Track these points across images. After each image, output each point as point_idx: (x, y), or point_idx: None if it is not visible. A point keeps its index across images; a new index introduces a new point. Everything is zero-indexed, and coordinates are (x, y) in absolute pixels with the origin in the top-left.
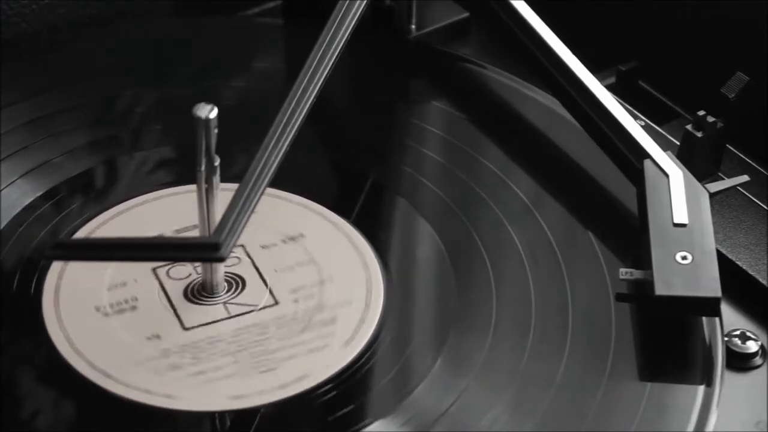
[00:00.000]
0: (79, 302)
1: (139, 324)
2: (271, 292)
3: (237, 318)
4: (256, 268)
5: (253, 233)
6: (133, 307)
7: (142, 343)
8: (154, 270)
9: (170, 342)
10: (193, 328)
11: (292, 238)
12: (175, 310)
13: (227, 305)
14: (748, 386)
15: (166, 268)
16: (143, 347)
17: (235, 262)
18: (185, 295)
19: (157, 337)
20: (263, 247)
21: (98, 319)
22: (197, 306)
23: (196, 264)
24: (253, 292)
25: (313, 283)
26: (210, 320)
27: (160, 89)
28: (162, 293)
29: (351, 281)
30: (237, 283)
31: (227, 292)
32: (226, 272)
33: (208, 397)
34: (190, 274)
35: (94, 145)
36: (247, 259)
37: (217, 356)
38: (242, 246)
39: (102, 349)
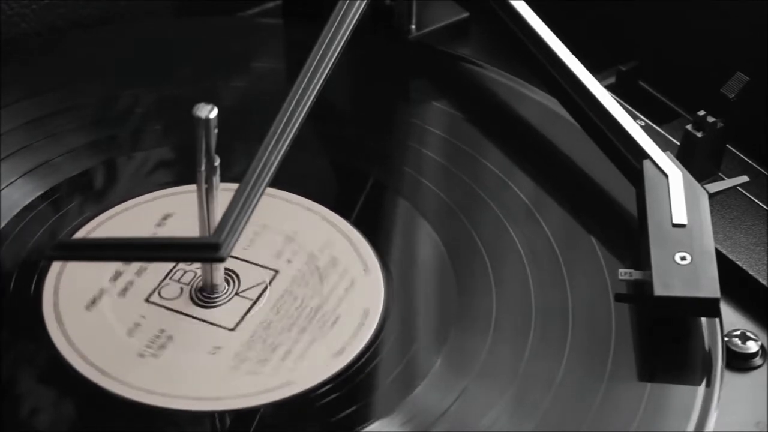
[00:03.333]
0: (78, 302)
1: (191, 347)
2: (265, 267)
3: (261, 299)
4: (244, 260)
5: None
6: (170, 337)
7: (211, 360)
8: (147, 300)
9: (234, 346)
10: (237, 325)
11: (291, 238)
12: (204, 320)
13: (241, 294)
14: (748, 386)
15: (157, 292)
16: (217, 363)
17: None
18: (196, 304)
19: (218, 348)
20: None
21: (99, 320)
22: (218, 308)
23: (179, 278)
24: (251, 275)
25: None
26: (243, 312)
27: (160, 89)
28: (178, 314)
29: (351, 281)
30: (231, 275)
31: (229, 285)
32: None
33: (316, 367)
34: (182, 289)
35: (94, 145)
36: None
37: (285, 334)
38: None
39: (103, 349)
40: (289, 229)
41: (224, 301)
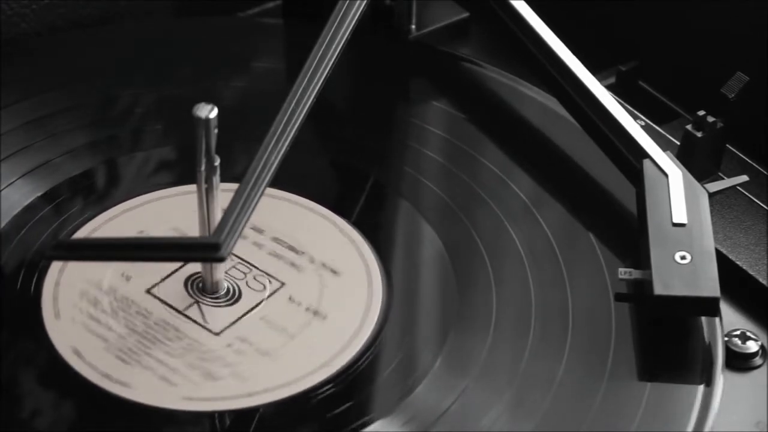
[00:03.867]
0: (79, 302)
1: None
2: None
3: (257, 307)
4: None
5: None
6: (157, 331)
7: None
8: (148, 291)
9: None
10: (224, 330)
11: (290, 238)
12: (195, 320)
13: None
14: (748, 386)
15: (159, 285)
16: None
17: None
18: (194, 302)
19: (199, 349)
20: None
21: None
22: (213, 308)
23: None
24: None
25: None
26: (235, 318)
27: (160, 89)
28: (170, 309)
29: (351, 281)
30: (235, 278)
31: (232, 288)
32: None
33: (293, 379)
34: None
35: (94, 145)
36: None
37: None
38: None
39: (103, 350)
40: (300, 236)
41: (221, 303)
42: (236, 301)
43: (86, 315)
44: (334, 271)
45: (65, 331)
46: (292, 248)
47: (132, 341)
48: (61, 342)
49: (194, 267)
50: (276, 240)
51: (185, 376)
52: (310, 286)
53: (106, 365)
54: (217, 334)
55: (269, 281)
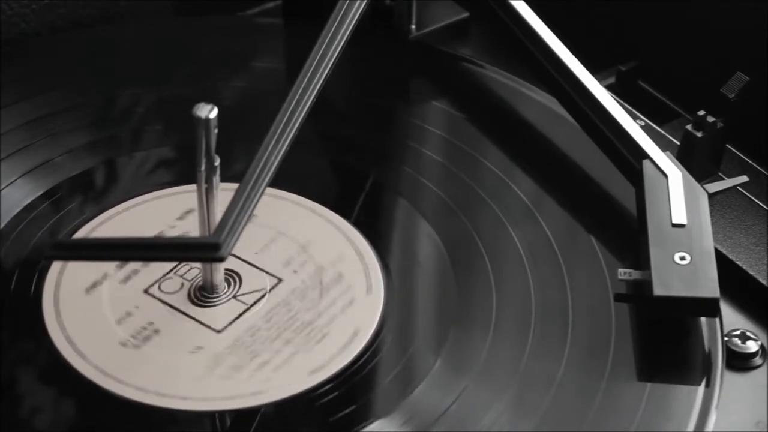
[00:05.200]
0: (78, 302)
1: (171, 343)
2: (269, 273)
3: (256, 305)
4: (248, 262)
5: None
6: (156, 331)
7: (189, 358)
8: (146, 291)
9: (215, 348)
10: (225, 328)
11: (289, 237)
12: (195, 319)
13: (238, 298)
14: (748, 386)
15: (156, 285)
16: (193, 362)
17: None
18: (192, 302)
19: (200, 348)
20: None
21: (102, 323)
22: (212, 308)
23: (183, 273)
24: (254, 280)
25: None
26: (235, 316)
27: (160, 89)
28: (170, 308)
29: (351, 281)
30: (234, 277)
31: (230, 287)
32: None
33: (290, 381)
34: (182, 284)
35: (94, 145)
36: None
37: (267, 343)
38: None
39: (103, 349)
40: (301, 236)
41: (221, 302)
42: (235, 298)
43: (88, 316)
44: (333, 271)
45: (65, 330)
46: (290, 246)
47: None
48: (61, 341)
49: (192, 266)
50: (275, 238)
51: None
52: (310, 285)
53: (106, 364)
54: (219, 331)
55: (268, 279)
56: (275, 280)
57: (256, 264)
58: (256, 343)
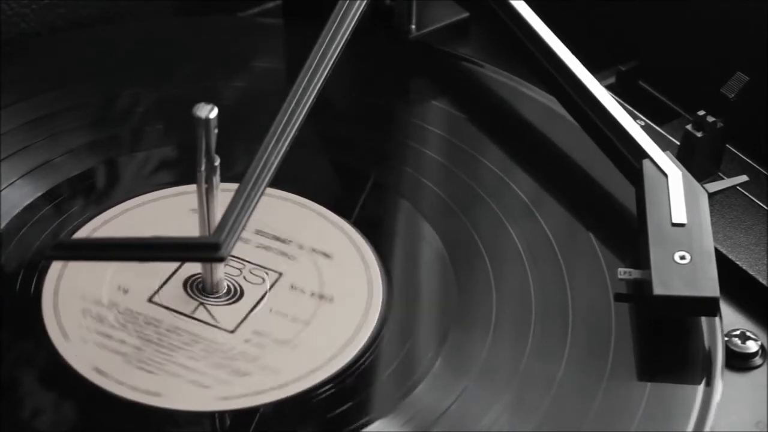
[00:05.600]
0: (79, 302)
1: (184, 346)
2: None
3: (261, 302)
4: (248, 262)
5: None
6: (161, 333)
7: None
8: (150, 300)
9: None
10: (237, 328)
11: (291, 239)
12: (204, 321)
13: (242, 297)
14: (748, 386)
15: (159, 292)
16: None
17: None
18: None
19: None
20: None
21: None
22: (217, 308)
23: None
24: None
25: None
26: (243, 315)
27: (160, 89)
28: (175, 313)
29: (351, 281)
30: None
31: (230, 287)
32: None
33: (291, 379)
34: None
35: (95, 145)
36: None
37: (269, 342)
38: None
39: (101, 350)
40: (298, 234)
41: (225, 302)
42: (240, 297)
43: (95, 332)
44: (333, 271)
45: (65, 330)
46: (290, 246)
47: (150, 351)
48: (60, 342)
49: (191, 269)
50: (260, 233)
51: (215, 376)
52: (310, 285)
53: (106, 365)
54: (231, 331)
55: (266, 273)
56: (275, 279)
57: (256, 263)
58: (259, 343)
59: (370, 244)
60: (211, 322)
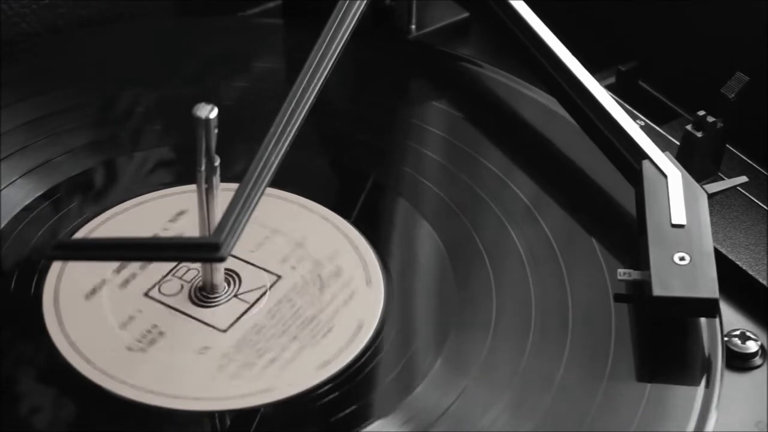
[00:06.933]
0: (78, 302)
1: (178, 344)
2: (268, 271)
3: (258, 303)
4: (248, 262)
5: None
6: (161, 333)
7: (197, 359)
8: (146, 294)
9: (222, 347)
10: (230, 327)
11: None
12: (199, 320)
13: (239, 297)
14: (748, 386)
15: (157, 287)
16: (203, 362)
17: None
18: (193, 302)
19: (206, 348)
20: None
21: (97, 315)
22: (214, 308)
23: (182, 275)
24: (254, 279)
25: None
26: (238, 314)
27: (160, 89)
28: (172, 310)
29: (351, 282)
30: (234, 277)
31: (230, 287)
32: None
33: (297, 377)
34: (182, 286)
35: (94, 145)
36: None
37: (274, 340)
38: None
39: (99, 345)
40: (298, 233)
41: (222, 301)
42: (237, 297)
43: (86, 314)
44: (333, 271)
45: (65, 330)
46: (290, 246)
47: (125, 333)
48: (61, 341)
49: (191, 266)
50: (274, 237)
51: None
52: (310, 284)
53: (106, 364)
54: (224, 331)
55: (268, 277)
56: (275, 279)
57: (256, 263)
58: (263, 342)
59: (370, 244)
60: (205, 320)
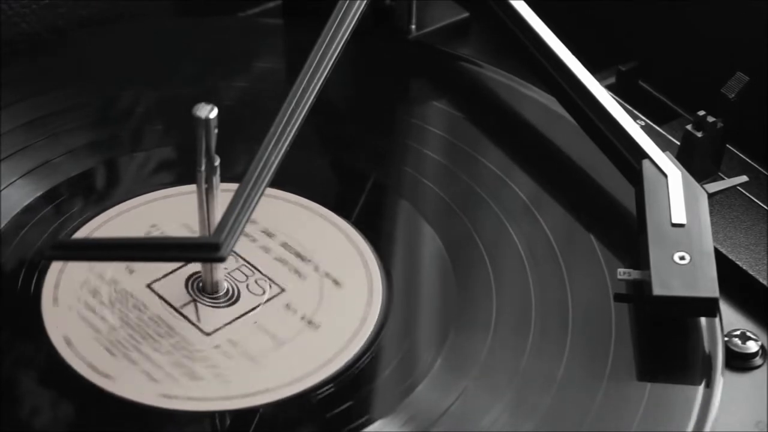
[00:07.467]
0: (78, 302)
1: (178, 345)
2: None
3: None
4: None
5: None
6: (161, 333)
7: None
8: (146, 294)
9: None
10: (216, 331)
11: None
12: (199, 320)
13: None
14: (748, 386)
15: (157, 287)
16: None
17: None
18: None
19: (206, 348)
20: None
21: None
22: (213, 308)
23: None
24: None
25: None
26: (233, 317)
27: (160, 89)
28: (173, 310)
29: (351, 281)
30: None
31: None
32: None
33: (289, 380)
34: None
35: (95, 145)
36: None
37: (264, 344)
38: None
39: (102, 350)
40: (297, 234)
41: (221, 303)
42: (233, 303)
43: (83, 304)
44: (336, 281)
45: (65, 330)
46: (298, 255)
47: (123, 334)
48: (60, 341)
49: (196, 266)
50: (284, 245)
51: (168, 373)
52: (310, 295)
53: (93, 356)
54: (208, 334)
55: (270, 286)
56: (274, 282)
57: (255, 264)
58: (250, 344)
59: (371, 244)
60: (194, 320)
